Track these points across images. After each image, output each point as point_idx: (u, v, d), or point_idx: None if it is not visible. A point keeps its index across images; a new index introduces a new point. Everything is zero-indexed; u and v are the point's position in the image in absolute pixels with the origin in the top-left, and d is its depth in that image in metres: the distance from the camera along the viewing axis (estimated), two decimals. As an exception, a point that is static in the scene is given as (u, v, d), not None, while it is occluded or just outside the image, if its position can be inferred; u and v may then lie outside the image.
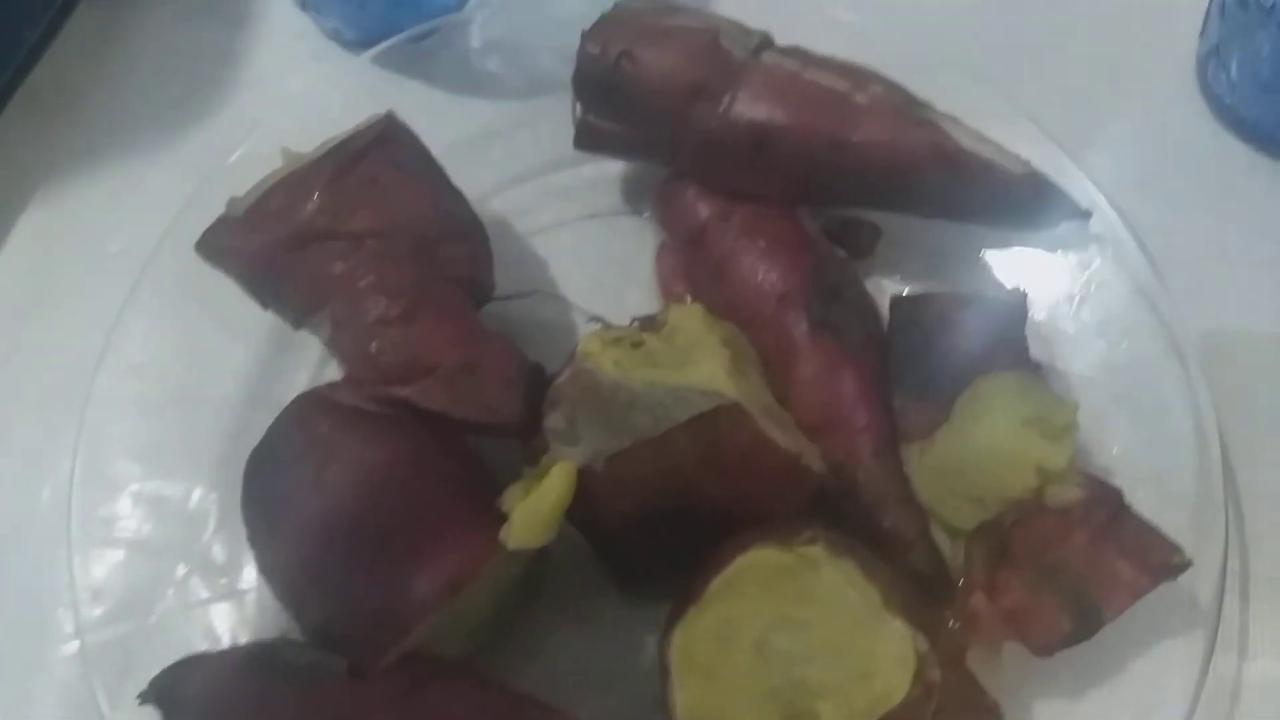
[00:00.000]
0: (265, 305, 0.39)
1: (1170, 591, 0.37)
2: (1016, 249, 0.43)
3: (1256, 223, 0.46)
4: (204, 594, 0.40)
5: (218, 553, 0.41)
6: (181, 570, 0.41)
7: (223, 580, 0.40)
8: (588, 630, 0.39)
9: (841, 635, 0.30)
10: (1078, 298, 0.42)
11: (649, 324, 0.36)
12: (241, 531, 0.39)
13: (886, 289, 0.43)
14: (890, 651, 0.30)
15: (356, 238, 0.36)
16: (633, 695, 0.38)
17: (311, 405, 0.36)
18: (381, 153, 0.38)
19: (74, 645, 0.41)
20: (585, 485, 0.34)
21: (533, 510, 0.33)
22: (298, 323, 0.38)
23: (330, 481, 0.34)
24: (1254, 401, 0.42)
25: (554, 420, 0.35)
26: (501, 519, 0.33)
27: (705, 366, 0.34)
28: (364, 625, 0.32)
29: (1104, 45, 0.50)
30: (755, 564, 0.32)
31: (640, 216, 0.46)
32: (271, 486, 0.35)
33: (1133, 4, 0.51)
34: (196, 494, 0.42)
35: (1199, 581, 0.36)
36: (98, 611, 0.39)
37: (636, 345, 0.35)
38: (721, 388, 0.33)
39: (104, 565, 0.40)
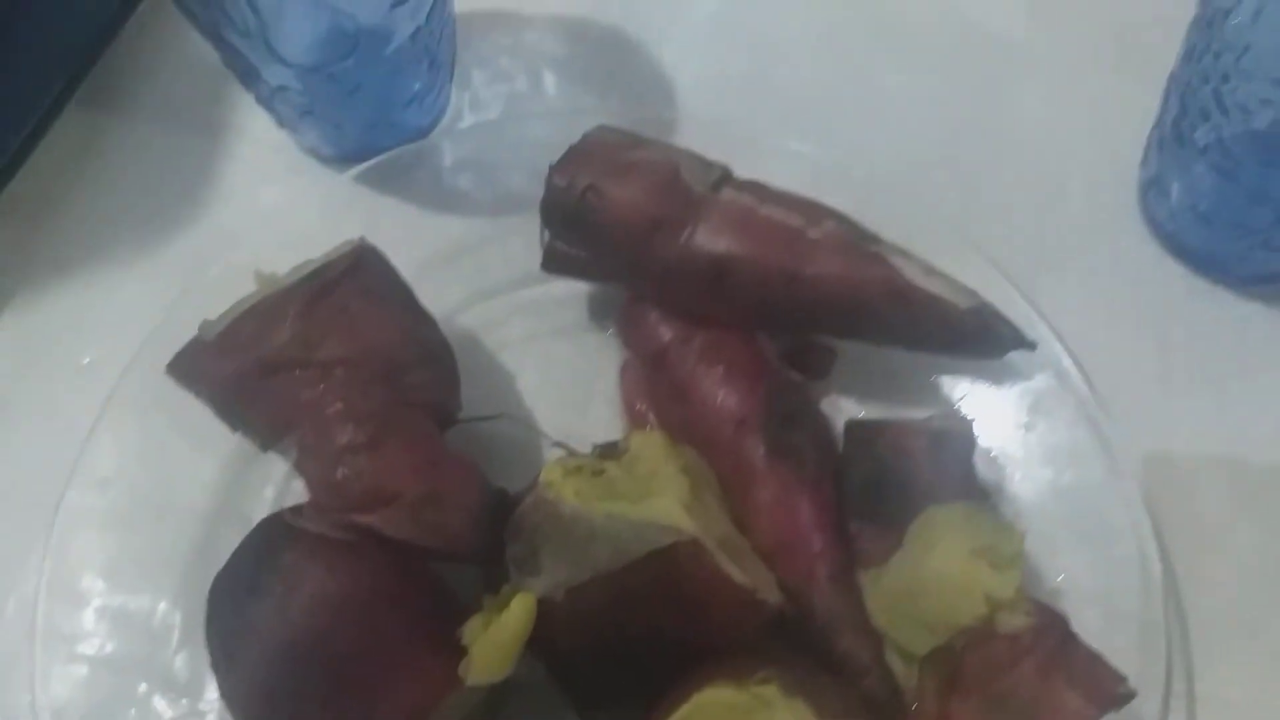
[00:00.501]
0: (234, 428, 0.40)
1: (1115, 716, 0.38)
2: (967, 375, 0.44)
3: (1197, 345, 0.47)
4: (167, 714, 0.41)
5: (180, 670, 0.41)
6: (144, 688, 0.41)
7: (184, 700, 0.41)
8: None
9: (792, 773, 0.31)
10: (1025, 423, 0.43)
11: (610, 452, 0.37)
12: (204, 649, 0.39)
13: (843, 409, 0.45)
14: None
15: (325, 366, 0.37)
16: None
17: (275, 532, 0.37)
18: (353, 281, 0.39)
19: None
20: (545, 615, 0.34)
21: (492, 644, 0.33)
22: (265, 446, 0.39)
23: (291, 612, 0.34)
24: (1198, 522, 0.43)
25: (516, 549, 0.35)
26: (462, 649, 0.34)
27: (664, 500, 0.34)
28: (323, 759, 0.33)
29: (1049, 175, 0.52)
30: (709, 702, 0.32)
31: (605, 333, 0.47)
32: (233, 614, 0.36)
33: (1077, 136, 0.53)
34: (161, 608, 0.43)
35: (1144, 705, 0.37)
36: (57, 735, 0.40)
37: (598, 474, 0.36)
38: (679, 522, 0.34)
39: (66, 682, 0.41)
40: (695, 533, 0.34)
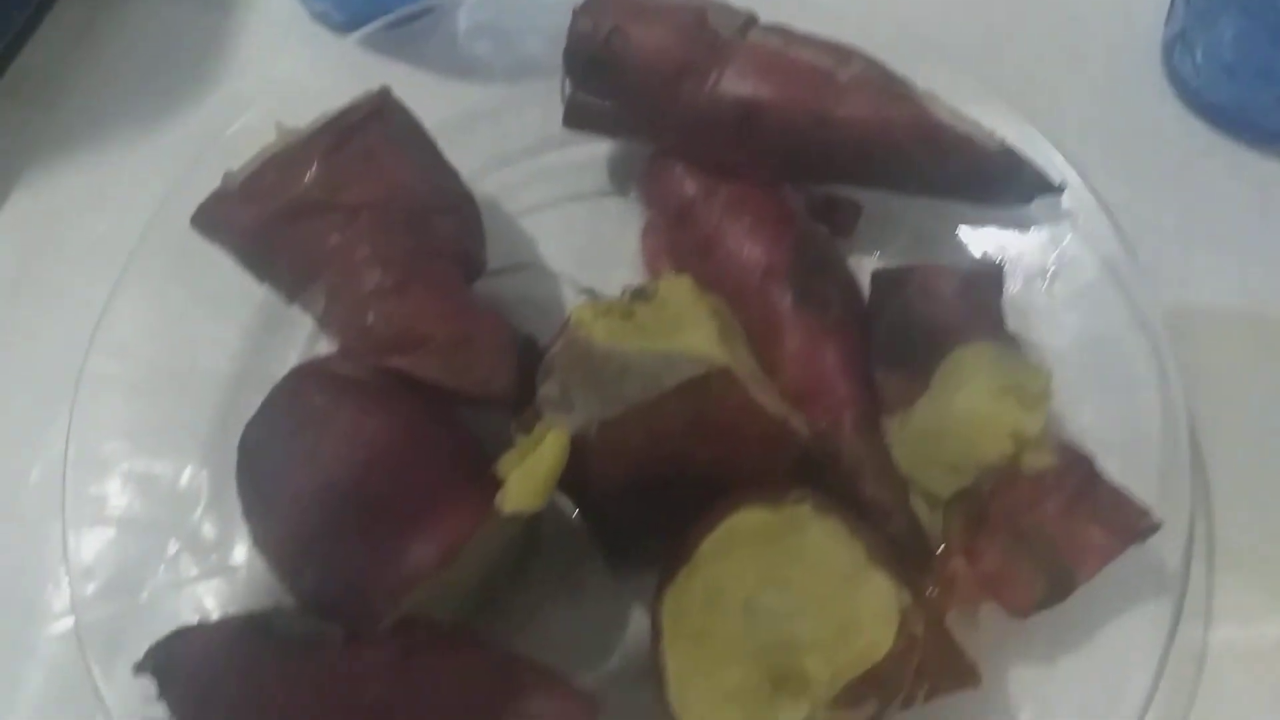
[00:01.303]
0: (260, 279, 0.39)
1: (1139, 560, 0.38)
2: (992, 226, 0.44)
3: (1218, 202, 0.47)
4: (195, 571, 0.41)
5: (208, 530, 0.42)
6: (173, 548, 0.41)
7: (213, 557, 0.41)
8: (576, 602, 0.40)
9: (826, 592, 0.31)
10: (1050, 272, 0.43)
11: (639, 295, 0.37)
12: (232, 509, 0.39)
13: (866, 266, 0.44)
14: (874, 606, 0.31)
15: (352, 210, 0.37)
16: (621, 665, 0.39)
17: (306, 377, 0.37)
18: (377, 126, 0.39)
19: (65, 624, 0.41)
20: (578, 452, 0.35)
21: (528, 475, 0.33)
22: (291, 296, 0.39)
23: (325, 452, 0.34)
24: (1218, 374, 0.43)
25: (548, 389, 0.35)
26: (495, 485, 0.34)
27: (695, 334, 0.34)
28: (359, 593, 0.33)
29: (1072, 31, 0.51)
30: (743, 524, 0.32)
31: (626, 197, 0.47)
32: (266, 459, 0.36)
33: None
34: (187, 472, 0.43)
35: (1166, 549, 0.38)
36: (89, 589, 0.40)
37: (627, 315, 0.36)
38: (711, 353, 0.34)
39: (95, 544, 0.41)
40: (726, 363, 0.34)
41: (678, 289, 0.37)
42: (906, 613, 0.30)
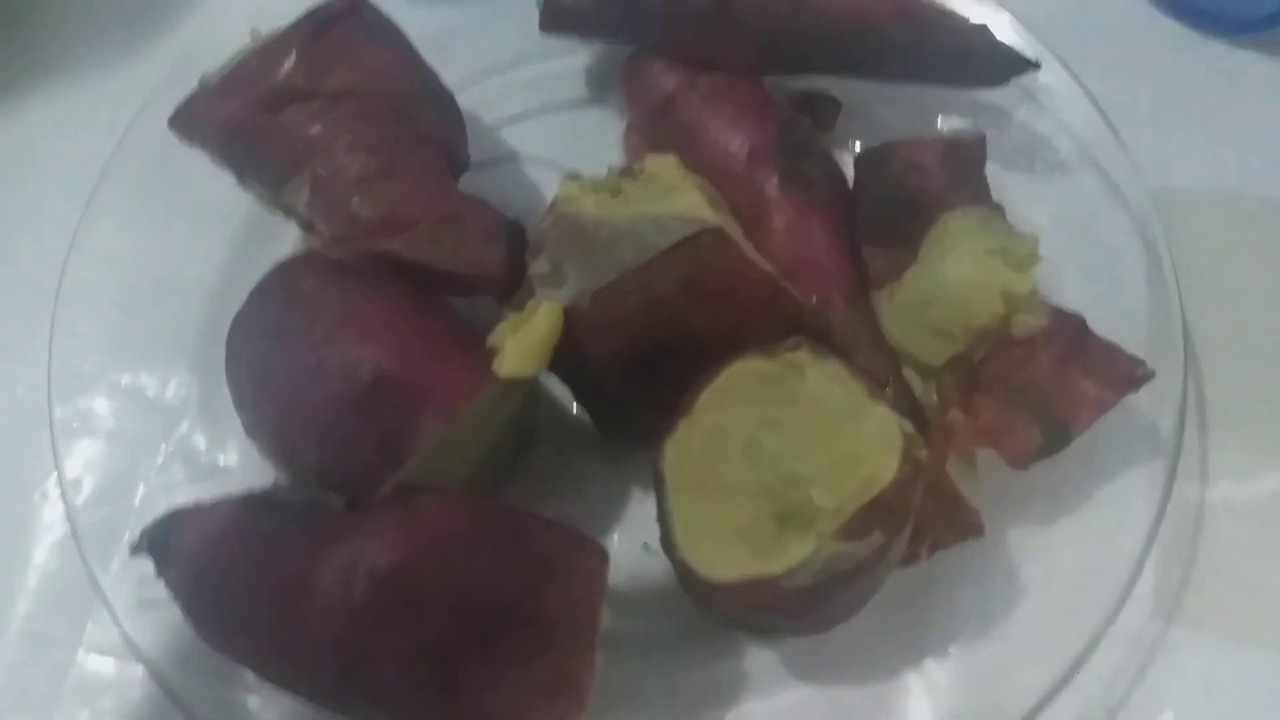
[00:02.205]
0: (242, 177, 0.39)
1: (1134, 422, 0.39)
2: (969, 118, 0.45)
3: (1190, 92, 0.48)
4: (185, 476, 0.40)
5: (198, 440, 0.41)
6: (161, 457, 0.41)
7: (204, 460, 0.41)
8: (574, 493, 0.40)
9: (828, 428, 0.31)
10: (1031, 151, 0.43)
11: (626, 173, 0.37)
12: (222, 418, 0.39)
13: (846, 162, 0.45)
14: (877, 435, 0.31)
15: (333, 97, 0.37)
16: (622, 544, 0.39)
17: (297, 263, 0.37)
18: (355, 19, 0.39)
19: (56, 534, 0.41)
20: (572, 325, 0.35)
21: (523, 340, 0.33)
22: (275, 191, 0.38)
23: (320, 329, 0.34)
24: (1195, 252, 0.43)
25: (539, 266, 0.35)
26: (491, 356, 0.34)
27: (686, 198, 0.34)
28: (360, 463, 0.33)
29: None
30: (741, 373, 0.33)
31: (605, 105, 0.47)
32: (257, 344, 0.36)
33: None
34: (174, 383, 0.42)
35: (1160, 411, 0.38)
36: (81, 498, 0.39)
37: (615, 191, 0.36)
38: (703, 213, 0.34)
39: (84, 455, 0.40)
40: (719, 223, 0.34)
41: (664, 165, 0.37)
42: (910, 439, 0.30)
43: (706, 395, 0.32)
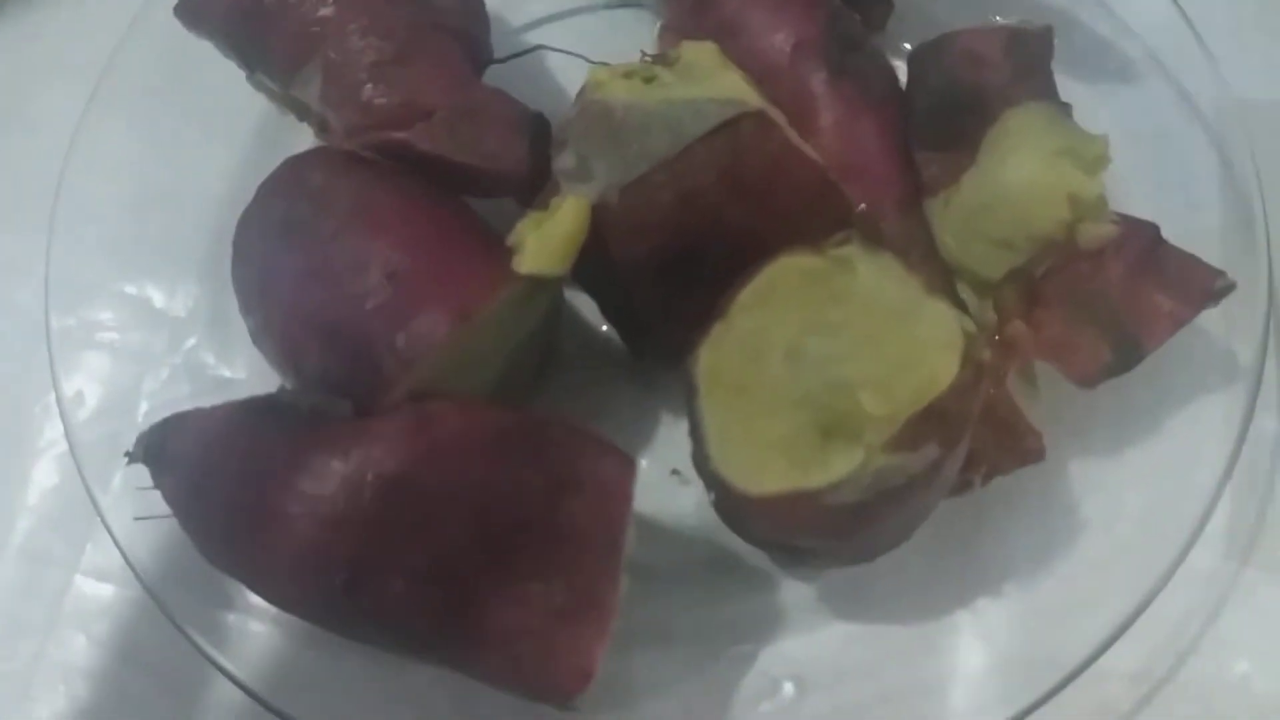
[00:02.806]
0: (251, 69, 0.37)
1: (1209, 345, 0.36)
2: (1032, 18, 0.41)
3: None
4: (191, 389, 0.38)
5: (205, 354, 0.39)
6: (166, 372, 0.39)
7: (209, 374, 0.38)
8: (599, 414, 0.37)
9: (881, 327, 0.29)
10: (1100, 54, 0.40)
11: (661, 59, 0.34)
12: (230, 332, 0.37)
13: (897, 68, 0.42)
14: (934, 334, 0.28)
15: (347, -19, 0.34)
16: (651, 470, 0.36)
17: (305, 158, 0.34)
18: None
19: (57, 450, 0.39)
20: (599, 225, 0.32)
21: (547, 238, 0.31)
22: (285, 79, 0.36)
23: (328, 224, 0.32)
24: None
25: (564, 160, 0.33)
26: (511, 254, 0.31)
27: (726, 76, 0.31)
28: (369, 365, 0.30)
29: None
30: (784, 271, 0.30)
31: (639, 7, 0.44)
32: (265, 242, 0.33)
33: None
34: (180, 295, 0.40)
35: (1239, 335, 0.35)
36: (82, 414, 0.37)
37: (649, 79, 0.33)
38: (744, 94, 0.31)
39: (85, 370, 0.38)
40: (761, 104, 0.31)
41: (703, 52, 0.34)
42: (971, 338, 0.27)
43: (745, 295, 0.30)
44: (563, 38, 0.44)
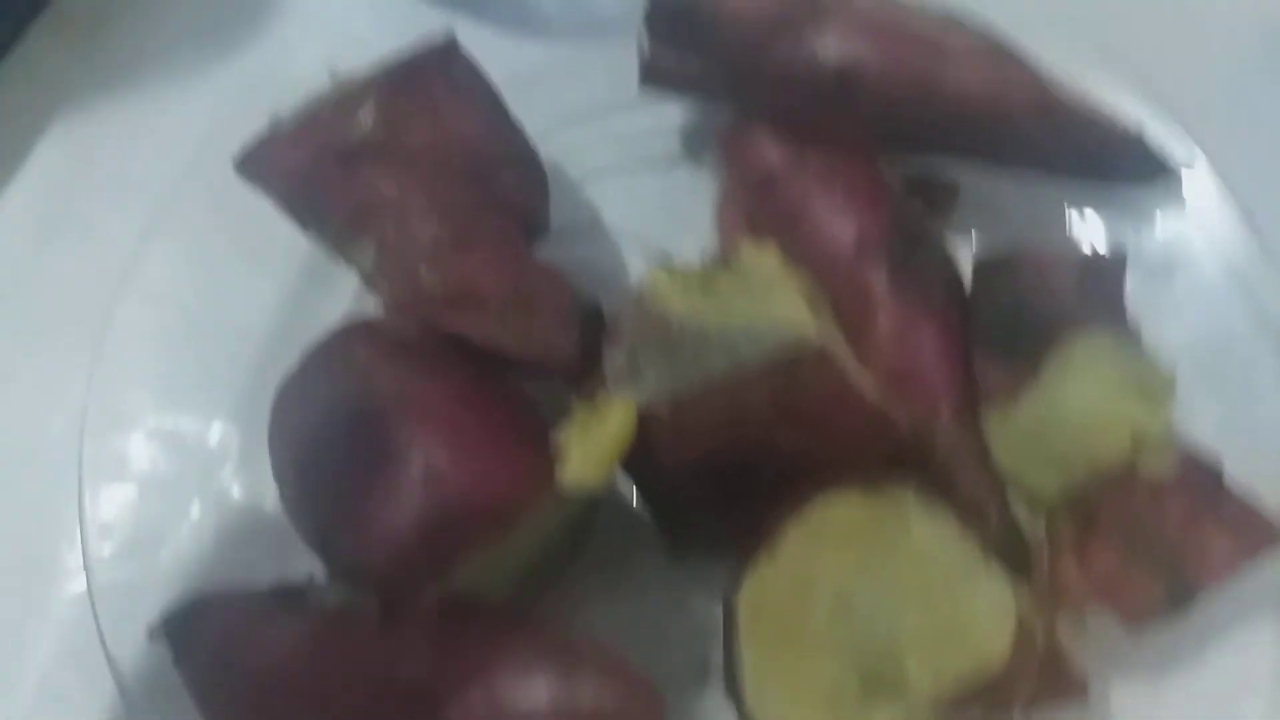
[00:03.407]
0: (305, 228, 0.36)
1: (1259, 578, 0.35)
2: (1101, 211, 0.40)
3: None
4: (219, 533, 0.38)
5: (236, 492, 0.39)
6: (196, 509, 0.38)
7: (239, 519, 0.38)
8: (632, 593, 0.36)
9: (933, 587, 0.28)
10: (1168, 266, 0.39)
11: (720, 264, 0.34)
12: (262, 471, 0.36)
13: (963, 253, 0.41)
14: (987, 607, 0.27)
15: (410, 156, 0.34)
16: (679, 659, 0.35)
17: (352, 333, 0.34)
18: (440, 72, 0.36)
19: (79, 584, 0.38)
20: (645, 429, 0.31)
21: (591, 446, 0.30)
22: (339, 247, 0.36)
23: (369, 409, 0.31)
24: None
25: (615, 357, 0.32)
26: (554, 456, 0.31)
27: (784, 306, 0.31)
28: (400, 563, 0.30)
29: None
30: (835, 511, 0.29)
31: (699, 166, 0.44)
32: (303, 414, 0.33)
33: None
34: (215, 430, 0.40)
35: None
36: (106, 549, 0.37)
37: (706, 285, 0.33)
38: (805, 330, 0.30)
39: (114, 501, 0.38)
40: (821, 340, 0.30)
41: (762, 260, 0.34)
42: (1025, 617, 0.26)
43: (793, 532, 0.29)
44: (621, 193, 0.44)
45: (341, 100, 0.35)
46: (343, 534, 0.31)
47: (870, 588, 0.28)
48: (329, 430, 0.31)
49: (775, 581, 0.29)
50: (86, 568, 0.36)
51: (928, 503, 0.29)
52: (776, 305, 0.31)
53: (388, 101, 0.35)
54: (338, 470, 0.31)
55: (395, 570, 0.30)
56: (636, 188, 0.44)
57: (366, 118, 0.34)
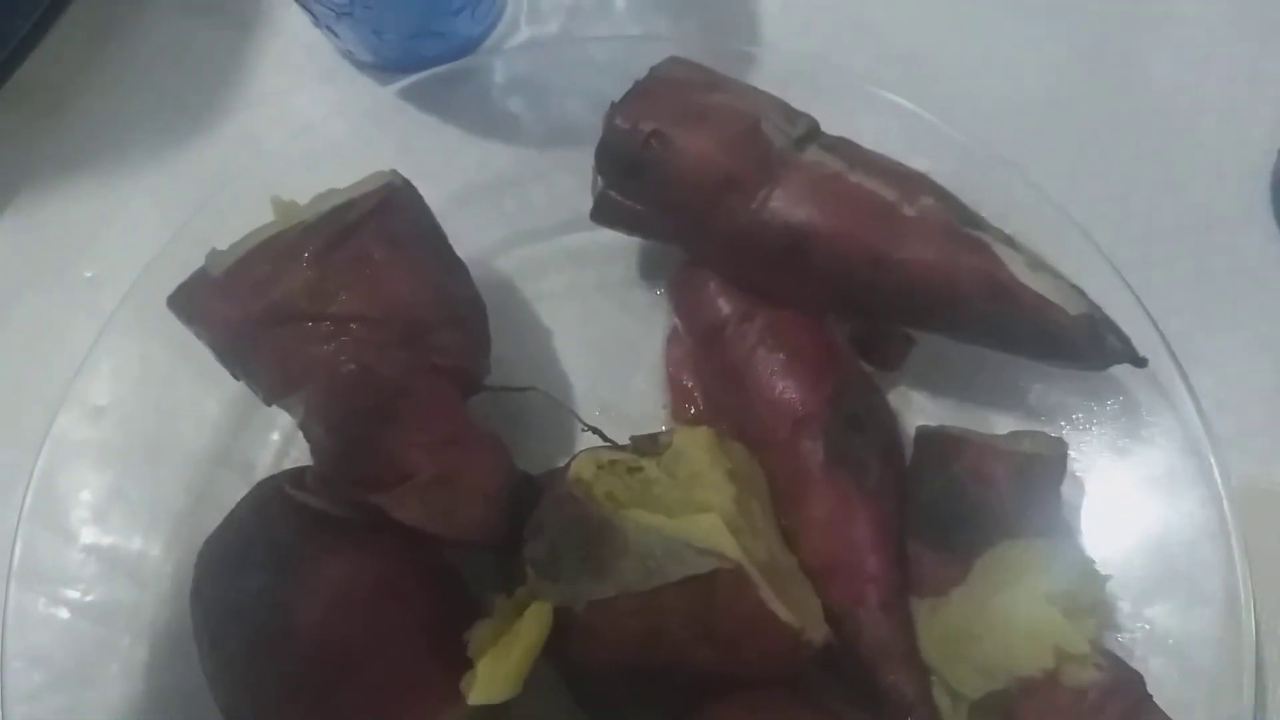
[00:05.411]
0: (236, 376, 0.36)
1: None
2: (1059, 382, 0.39)
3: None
4: (149, 665, 0.38)
5: (170, 624, 0.39)
6: (128, 641, 0.38)
7: (171, 658, 0.38)
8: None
9: None
10: (1119, 446, 0.38)
11: (650, 446, 0.33)
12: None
13: (914, 402, 0.40)
14: None
15: (341, 321, 0.33)
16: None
17: (272, 503, 0.33)
18: (378, 224, 0.34)
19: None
20: (563, 625, 0.31)
21: (499, 662, 0.30)
22: (268, 400, 0.35)
23: (281, 600, 0.31)
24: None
25: (535, 549, 0.32)
26: (466, 664, 0.30)
27: (706, 517, 0.30)
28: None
29: (1172, 155, 0.46)
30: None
31: (655, 293, 0.43)
32: (220, 590, 0.32)
33: (1207, 113, 0.47)
34: (153, 555, 0.39)
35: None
36: (33, 680, 0.37)
37: (634, 471, 0.32)
38: (722, 546, 0.30)
39: (46, 628, 0.38)
40: (739, 559, 0.29)
41: (694, 442, 0.33)
42: None
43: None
44: (575, 314, 0.43)
45: (272, 250, 0.34)
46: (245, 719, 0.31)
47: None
48: (243, 614, 0.31)
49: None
50: (4, 701, 0.36)
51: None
52: (699, 513, 0.31)
53: (320, 260, 0.34)
54: (248, 660, 0.30)
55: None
56: (591, 311, 0.43)
57: (297, 279, 0.33)
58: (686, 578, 0.29)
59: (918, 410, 0.40)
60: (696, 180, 0.36)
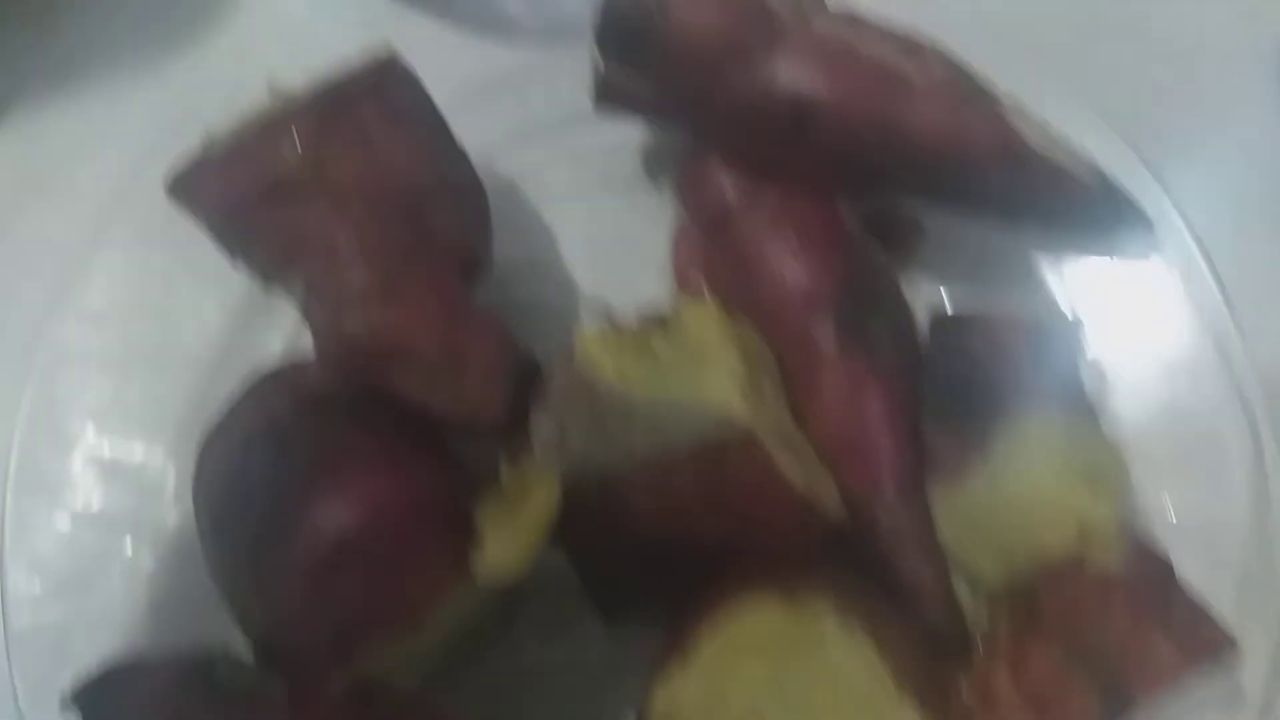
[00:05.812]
0: (233, 260, 0.35)
1: (1211, 680, 0.33)
2: (1072, 262, 0.38)
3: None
4: (152, 571, 0.37)
5: (172, 527, 0.38)
6: (130, 546, 0.38)
7: (174, 561, 0.37)
8: (564, 668, 0.35)
9: (846, 712, 0.27)
10: (1137, 327, 0.37)
11: (658, 323, 0.32)
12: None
13: (925, 293, 0.39)
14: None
15: (339, 194, 0.32)
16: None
17: (273, 383, 0.33)
18: (376, 99, 0.33)
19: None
20: (570, 502, 0.30)
21: (512, 532, 0.29)
22: (267, 281, 0.34)
23: (284, 477, 0.30)
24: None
25: (543, 423, 0.31)
26: (472, 538, 0.29)
27: (716, 381, 0.29)
28: (309, 646, 0.29)
29: (1181, 40, 0.44)
30: (752, 628, 0.28)
31: (660, 190, 0.42)
32: (221, 470, 0.32)
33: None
34: (154, 460, 0.39)
35: (1245, 668, 0.33)
36: (34, 588, 0.36)
37: (642, 346, 0.31)
38: (733, 411, 0.29)
39: (46, 535, 0.37)
40: (750, 424, 0.29)
41: (702, 317, 0.32)
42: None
43: (708, 639, 0.28)
44: (578, 215, 0.42)
45: (270, 127, 0.33)
46: (253, 609, 0.30)
47: (781, 706, 0.27)
48: (243, 490, 0.31)
49: (687, 693, 0.28)
50: (4, 611, 0.35)
51: (847, 624, 0.28)
52: (708, 381, 0.30)
53: (316, 132, 0.33)
54: (251, 542, 0.30)
55: (303, 656, 0.29)
56: (596, 212, 0.42)
57: (293, 150, 0.32)
58: (696, 445, 0.28)
59: (928, 300, 0.39)
60: (699, 49, 0.35)
